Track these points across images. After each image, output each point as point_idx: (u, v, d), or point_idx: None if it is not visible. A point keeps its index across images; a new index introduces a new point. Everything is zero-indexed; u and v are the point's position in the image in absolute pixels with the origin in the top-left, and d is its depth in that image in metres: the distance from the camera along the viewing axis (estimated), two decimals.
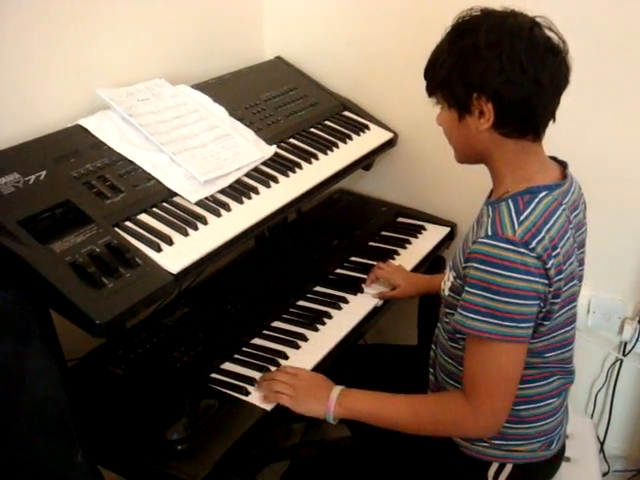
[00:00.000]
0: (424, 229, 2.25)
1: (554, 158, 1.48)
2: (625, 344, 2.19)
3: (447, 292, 1.47)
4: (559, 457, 1.63)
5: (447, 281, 1.48)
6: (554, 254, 1.30)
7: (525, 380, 1.43)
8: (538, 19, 1.33)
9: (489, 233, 1.30)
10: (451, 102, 1.39)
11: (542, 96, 1.31)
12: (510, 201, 1.34)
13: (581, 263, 1.49)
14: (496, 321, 1.29)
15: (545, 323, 1.37)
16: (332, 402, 1.47)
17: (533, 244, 1.27)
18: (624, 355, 2.21)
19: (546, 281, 1.29)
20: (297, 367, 1.57)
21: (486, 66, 1.29)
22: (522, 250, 1.27)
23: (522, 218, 1.30)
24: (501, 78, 1.29)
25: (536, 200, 1.33)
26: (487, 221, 1.34)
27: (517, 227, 1.29)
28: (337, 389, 1.49)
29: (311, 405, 1.49)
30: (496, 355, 1.33)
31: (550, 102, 1.34)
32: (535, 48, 1.29)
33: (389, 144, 2.25)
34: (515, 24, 1.30)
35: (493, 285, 1.28)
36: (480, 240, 1.31)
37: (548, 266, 1.29)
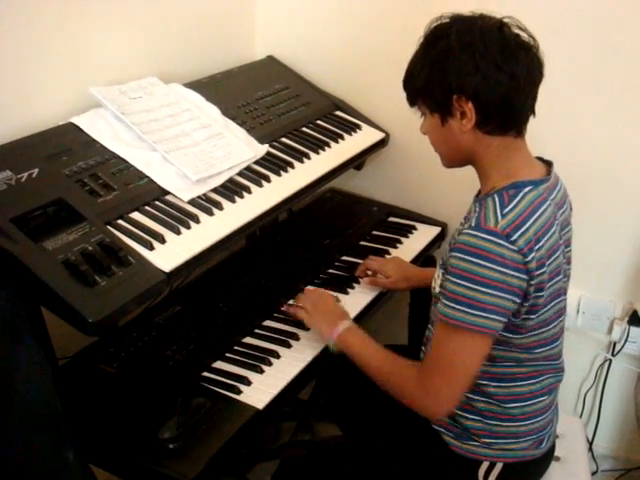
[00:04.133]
0: (415, 229, 2.25)
1: (540, 158, 1.49)
2: (614, 344, 2.21)
3: (438, 289, 1.48)
4: (549, 456, 1.64)
5: (437, 278, 1.49)
6: (537, 247, 1.32)
7: (516, 378, 1.45)
8: (506, 19, 1.37)
9: (472, 225, 1.33)
10: (433, 107, 1.42)
11: (520, 91, 1.34)
12: (496, 196, 1.36)
13: (568, 262, 1.51)
14: (466, 309, 1.31)
15: (531, 317, 1.38)
16: (337, 332, 1.58)
17: (515, 236, 1.29)
18: (613, 355, 2.22)
19: (524, 276, 1.31)
20: (323, 291, 1.76)
21: (462, 67, 1.32)
22: (501, 242, 1.29)
23: (506, 211, 1.32)
24: (478, 77, 1.32)
25: (521, 194, 1.35)
26: (473, 216, 1.37)
27: (500, 219, 1.31)
28: (346, 323, 1.61)
29: (321, 326, 1.64)
30: (458, 342, 1.36)
31: (528, 96, 1.37)
32: (507, 45, 1.32)
33: (381, 144, 2.25)
34: (484, 25, 1.34)
35: (468, 273, 1.30)
36: (464, 231, 1.33)
37: (528, 259, 1.30)
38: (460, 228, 1.41)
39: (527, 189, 1.36)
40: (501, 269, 1.28)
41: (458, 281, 1.31)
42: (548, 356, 1.47)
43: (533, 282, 1.32)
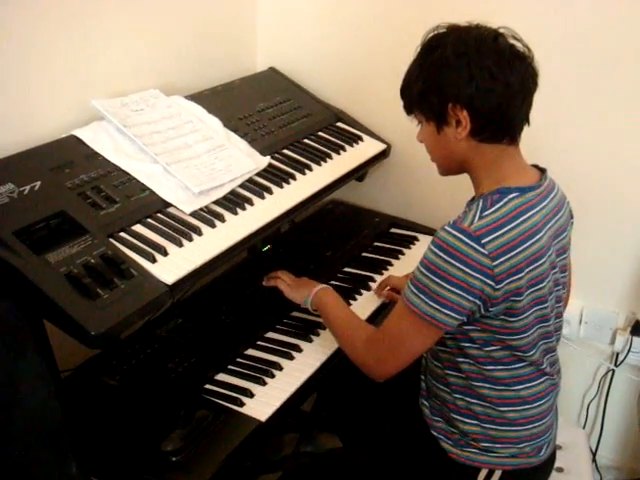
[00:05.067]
0: (417, 240, 2.25)
1: (536, 166, 1.50)
2: (617, 355, 2.20)
3: None
4: (549, 465, 1.63)
5: None
6: (513, 253, 1.33)
7: (507, 383, 1.46)
8: (501, 29, 1.39)
9: (451, 222, 1.36)
10: (428, 115, 1.44)
11: (514, 99, 1.36)
12: (481, 200, 1.38)
13: (562, 270, 1.51)
14: (425, 299, 1.35)
15: (510, 319, 1.39)
16: (314, 291, 1.71)
17: (486, 240, 1.31)
18: (616, 366, 2.21)
19: (489, 280, 1.32)
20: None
21: (457, 76, 1.35)
22: (470, 242, 1.31)
23: (485, 214, 1.34)
24: (472, 85, 1.34)
25: (505, 200, 1.37)
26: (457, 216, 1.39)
27: (476, 221, 1.33)
28: (320, 285, 1.74)
29: (302, 291, 1.76)
30: (411, 324, 1.40)
31: (522, 105, 1.39)
32: (501, 54, 1.35)
33: (382, 155, 2.26)
34: (480, 34, 1.37)
35: (434, 266, 1.34)
36: (443, 227, 1.36)
37: (496, 264, 1.31)
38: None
39: (512, 195, 1.38)
40: (464, 268, 1.31)
41: (424, 271, 1.36)
42: (533, 361, 1.47)
43: (502, 287, 1.33)
